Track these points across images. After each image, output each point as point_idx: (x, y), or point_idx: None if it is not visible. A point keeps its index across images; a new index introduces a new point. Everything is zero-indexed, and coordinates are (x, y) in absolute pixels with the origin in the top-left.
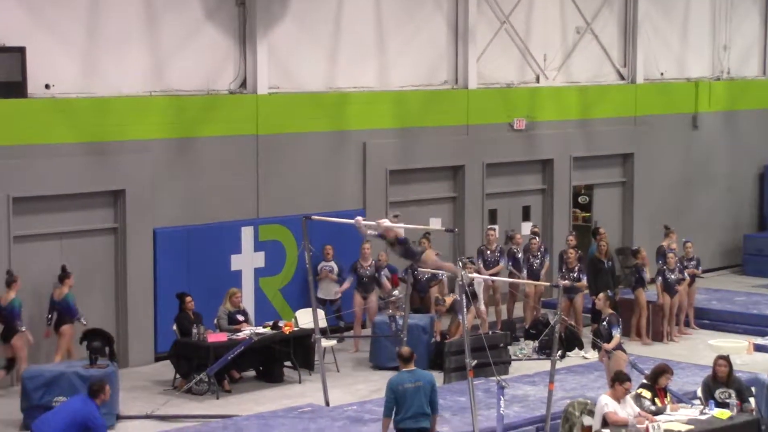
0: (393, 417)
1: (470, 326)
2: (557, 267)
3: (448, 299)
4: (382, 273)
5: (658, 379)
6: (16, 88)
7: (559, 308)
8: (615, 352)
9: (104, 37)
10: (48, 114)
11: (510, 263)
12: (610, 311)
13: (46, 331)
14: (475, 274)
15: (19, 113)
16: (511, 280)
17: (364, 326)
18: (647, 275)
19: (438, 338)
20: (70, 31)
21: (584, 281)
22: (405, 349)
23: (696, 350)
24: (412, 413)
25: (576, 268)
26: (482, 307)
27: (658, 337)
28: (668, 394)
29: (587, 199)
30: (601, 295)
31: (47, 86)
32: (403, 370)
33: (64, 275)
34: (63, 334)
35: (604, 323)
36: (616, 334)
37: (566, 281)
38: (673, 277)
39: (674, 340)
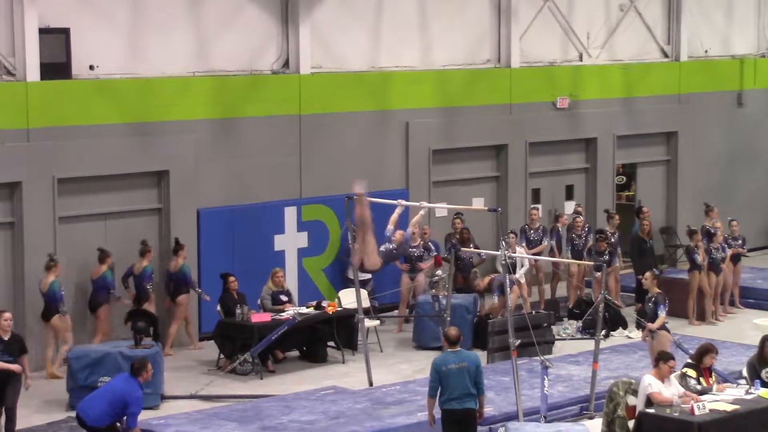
0: (438, 398)
1: (514, 306)
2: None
3: (486, 279)
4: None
5: (703, 359)
6: (61, 69)
7: (603, 288)
8: (659, 332)
9: (148, 17)
10: (92, 95)
11: (554, 241)
12: (657, 290)
13: (165, 302)
14: (516, 254)
15: (63, 94)
16: (553, 259)
17: (410, 308)
18: (699, 257)
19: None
20: (113, 12)
21: (615, 264)
22: (453, 331)
23: (741, 330)
24: (457, 394)
25: (606, 251)
26: (524, 288)
27: (702, 316)
28: (713, 374)
29: (623, 179)
30: (647, 274)
31: (91, 67)
32: (448, 350)
33: (177, 247)
34: (180, 304)
35: (650, 303)
36: (662, 313)
37: (598, 273)
38: (717, 255)
39: (719, 320)
